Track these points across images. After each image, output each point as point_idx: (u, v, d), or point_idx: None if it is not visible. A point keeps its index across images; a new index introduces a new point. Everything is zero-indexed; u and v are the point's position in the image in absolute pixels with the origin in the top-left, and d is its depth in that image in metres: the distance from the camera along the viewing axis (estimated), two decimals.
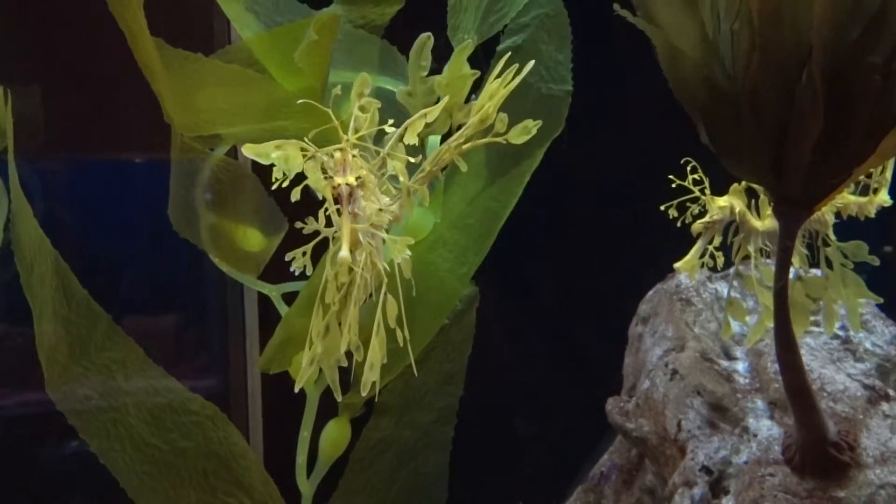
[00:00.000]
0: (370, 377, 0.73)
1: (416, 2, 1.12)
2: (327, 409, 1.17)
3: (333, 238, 0.73)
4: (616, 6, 0.86)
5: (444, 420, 1.25)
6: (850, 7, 0.82)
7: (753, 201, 1.11)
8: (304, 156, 0.71)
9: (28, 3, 1.38)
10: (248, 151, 0.71)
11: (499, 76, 0.79)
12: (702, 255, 1.08)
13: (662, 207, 1.08)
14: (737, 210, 1.08)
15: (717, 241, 1.10)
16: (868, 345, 1.12)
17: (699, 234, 1.09)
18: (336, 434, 1.14)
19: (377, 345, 0.73)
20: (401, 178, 0.76)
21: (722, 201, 1.09)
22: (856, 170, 0.88)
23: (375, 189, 0.75)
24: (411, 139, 0.74)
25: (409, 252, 0.72)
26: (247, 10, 1.01)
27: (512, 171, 1.03)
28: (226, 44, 1.28)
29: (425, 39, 0.83)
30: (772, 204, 0.95)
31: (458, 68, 0.88)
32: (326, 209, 0.72)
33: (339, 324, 0.75)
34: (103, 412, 0.99)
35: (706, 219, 1.08)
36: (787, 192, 0.90)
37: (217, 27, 1.37)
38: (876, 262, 1.04)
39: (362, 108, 0.76)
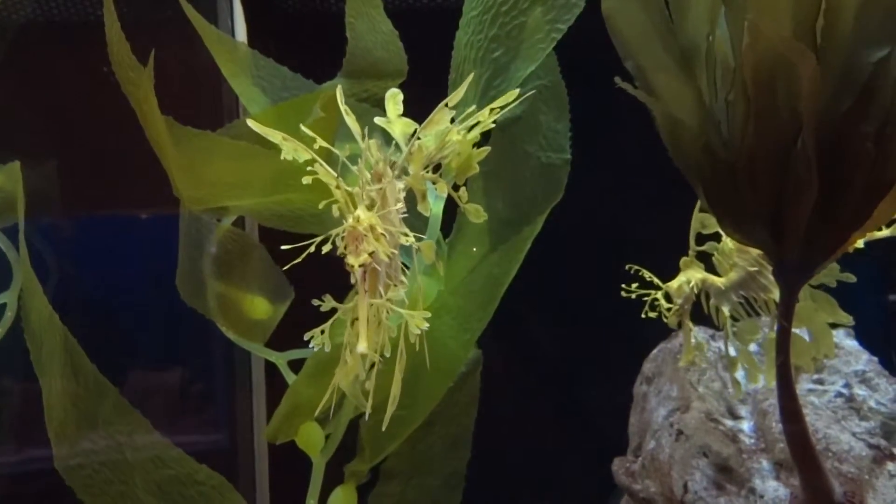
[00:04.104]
0: (391, 410, 0.74)
1: (417, 76, 1.15)
2: (334, 475, 1.17)
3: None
4: (617, 79, 0.88)
5: (451, 484, 1.25)
6: (839, 80, 0.84)
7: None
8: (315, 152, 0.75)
9: (46, 82, 1.43)
10: (256, 126, 0.73)
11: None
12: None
13: (643, 315, 1.10)
14: (692, 283, 1.10)
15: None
16: (872, 403, 1.12)
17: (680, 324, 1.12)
18: (343, 501, 1.14)
19: (398, 374, 0.74)
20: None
21: (675, 283, 1.11)
22: (853, 234, 0.89)
23: (395, 257, 0.75)
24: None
25: (427, 325, 0.73)
26: (254, 86, 1.03)
27: (513, 238, 1.04)
28: (234, 117, 1.31)
29: (394, 93, 0.87)
30: (772, 268, 0.96)
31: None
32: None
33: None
34: (111, 485, 0.99)
35: (673, 309, 1.10)
36: (786, 256, 0.91)
37: (226, 100, 1.40)
38: (853, 279, 1.04)
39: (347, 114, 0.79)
